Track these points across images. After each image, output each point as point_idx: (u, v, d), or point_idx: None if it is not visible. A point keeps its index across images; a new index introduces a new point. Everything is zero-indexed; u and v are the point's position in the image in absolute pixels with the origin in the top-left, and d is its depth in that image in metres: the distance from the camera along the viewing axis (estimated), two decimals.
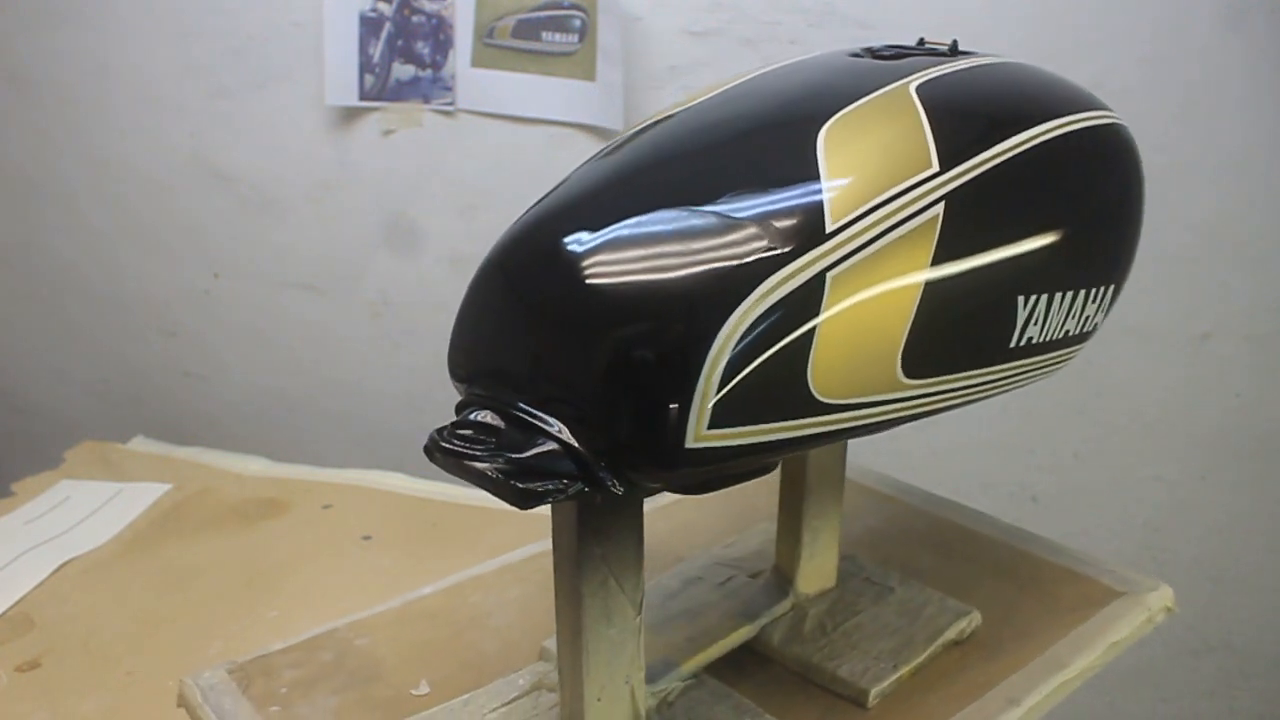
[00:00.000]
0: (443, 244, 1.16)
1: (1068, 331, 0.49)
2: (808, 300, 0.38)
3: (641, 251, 0.37)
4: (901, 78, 0.46)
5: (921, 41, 0.52)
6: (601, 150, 0.46)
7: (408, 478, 0.85)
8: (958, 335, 0.45)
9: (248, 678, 0.57)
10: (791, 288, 0.37)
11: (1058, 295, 0.47)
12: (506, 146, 1.09)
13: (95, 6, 1.20)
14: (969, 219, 0.44)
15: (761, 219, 0.38)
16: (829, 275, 0.38)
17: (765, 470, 0.42)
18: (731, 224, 0.38)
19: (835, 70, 0.48)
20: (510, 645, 0.57)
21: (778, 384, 0.38)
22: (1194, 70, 0.90)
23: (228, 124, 1.19)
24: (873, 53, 0.49)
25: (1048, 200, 0.47)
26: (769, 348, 0.37)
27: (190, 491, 0.82)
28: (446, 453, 0.36)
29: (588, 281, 0.36)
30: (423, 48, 1.08)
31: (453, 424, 0.38)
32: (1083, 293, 0.49)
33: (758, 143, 0.42)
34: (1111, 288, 0.51)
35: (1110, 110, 0.51)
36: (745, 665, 0.53)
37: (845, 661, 0.52)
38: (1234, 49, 0.89)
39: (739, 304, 0.36)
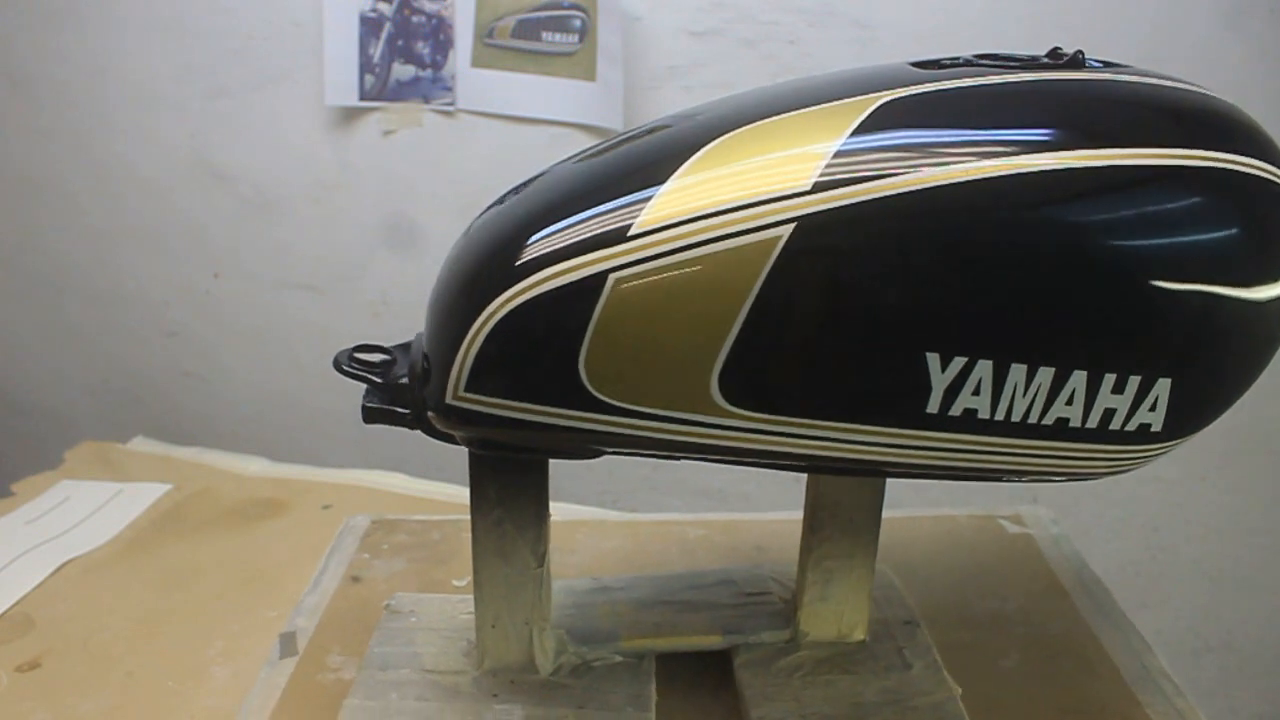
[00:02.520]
0: (443, 244, 1.15)
1: (1066, 421, 0.41)
2: (581, 296, 0.40)
3: (484, 240, 0.43)
4: (880, 89, 0.42)
5: (1055, 51, 0.45)
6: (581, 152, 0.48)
7: (408, 478, 0.85)
8: (820, 375, 0.41)
9: (376, 529, 0.70)
10: (563, 282, 0.40)
11: (1016, 367, 0.39)
12: (506, 146, 1.09)
13: (95, 6, 1.19)
14: (837, 247, 0.40)
15: (577, 219, 0.42)
16: (612, 276, 0.40)
17: (576, 453, 0.46)
18: (551, 222, 0.42)
19: (835, 80, 0.45)
20: (555, 575, 0.62)
21: (541, 368, 0.41)
22: (1193, 70, 0.90)
23: (228, 124, 1.19)
24: (937, 63, 0.44)
25: (1008, 244, 0.39)
26: (531, 332, 0.41)
27: (190, 491, 0.82)
28: (344, 371, 0.46)
29: (447, 262, 0.45)
30: (423, 48, 1.08)
31: (355, 347, 0.47)
32: (1081, 374, 0.40)
33: (663, 151, 0.43)
34: (1165, 382, 0.40)
35: (1249, 158, 0.40)
36: (708, 672, 0.54)
37: (767, 708, 0.50)
38: (1232, 49, 0.89)
39: (507, 288, 0.41)
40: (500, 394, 0.42)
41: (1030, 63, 0.43)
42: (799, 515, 0.54)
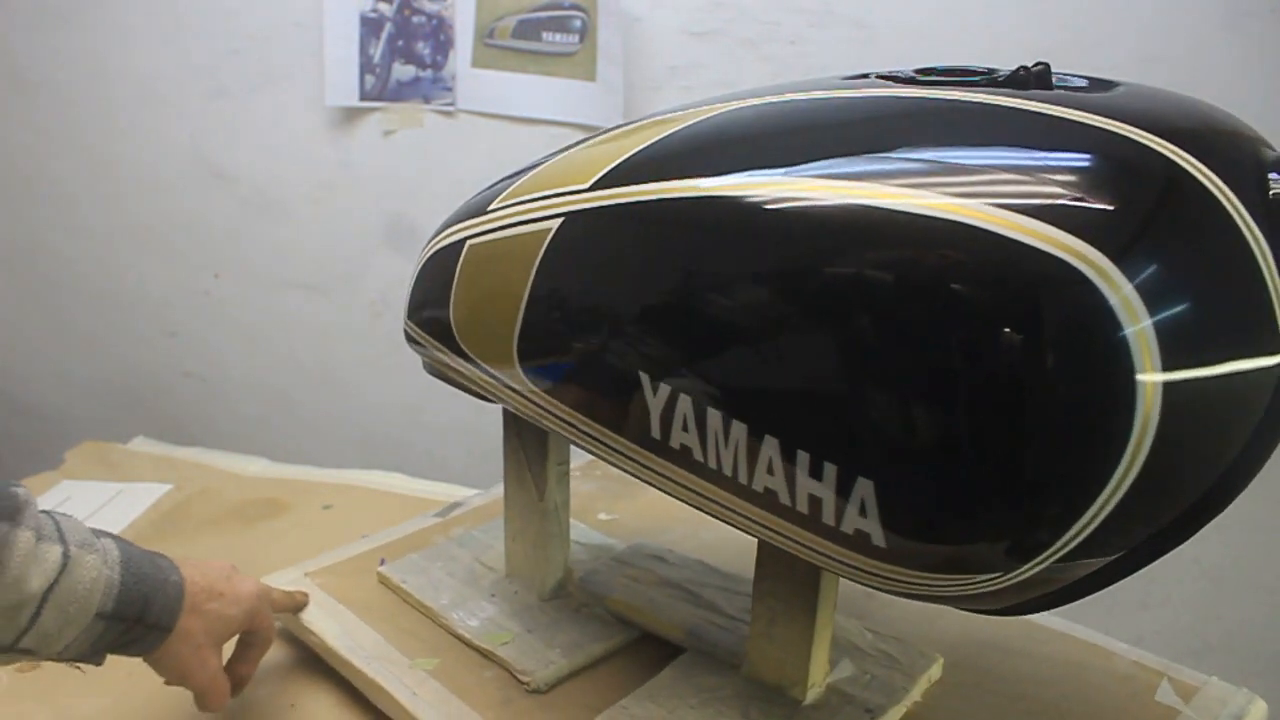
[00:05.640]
0: None
1: (775, 494, 0.34)
2: (451, 256, 0.49)
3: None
4: (741, 100, 0.41)
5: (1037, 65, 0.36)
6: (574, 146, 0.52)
7: (408, 478, 0.85)
8: (572, 364, 0.43)
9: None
10: (446, 243, 0.50)
11: (712, 411, 0.35)
12: (506, 146, 1.09)
13: (95, 6, 1.20)
14: (587, 244, 0.41)
15: (483, 194, 0.50)
16: (468, 242, 0.48)
17: (479, 395, 0.52)
18: (476, 199, 0.50)
19: (751, 89, 0.45)
20: (672, 545, 0.66)
21: (431, 309, 0.51)
22: (1192, 70, 0.90)
23: (228, 124, 1.19)
24: (891, 76, 0.41)
25: (696, 268, 0.36)
26: (426, 281, 0.52)
27: (190, 491, 0.82)
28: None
29: None
30: (423, 48, 1.08)
31: None
32: (772, 441, 0.33)
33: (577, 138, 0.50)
34: (866, 483, 0.31)
35: (1043, 224, 0.29)
36: (663, 654, 0.54)
37: (642, 705, 0.50)
38: (1232, 49, 0.89)
39: (431, 240, 0.52)
40: (418, 324, 0.53)
41: (987, 78, 0.36)
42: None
